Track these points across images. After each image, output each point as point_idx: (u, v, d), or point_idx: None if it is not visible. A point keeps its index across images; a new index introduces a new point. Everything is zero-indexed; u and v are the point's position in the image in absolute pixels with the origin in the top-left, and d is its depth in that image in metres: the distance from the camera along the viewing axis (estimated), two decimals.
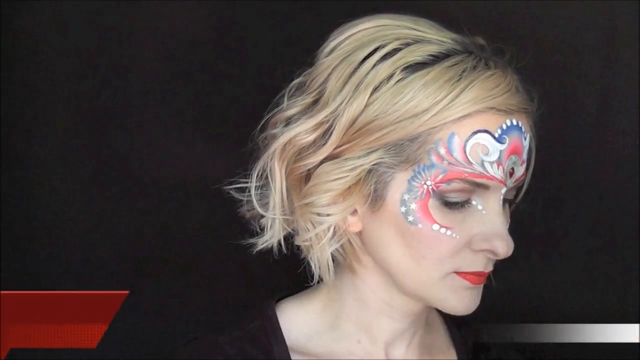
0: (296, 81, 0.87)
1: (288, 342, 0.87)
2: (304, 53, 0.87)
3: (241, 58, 1.18)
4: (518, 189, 0.89)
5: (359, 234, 0.86)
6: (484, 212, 0.81)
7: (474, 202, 0.81)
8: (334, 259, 0.88)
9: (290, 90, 0.87)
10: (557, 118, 1.18)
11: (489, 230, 0.80)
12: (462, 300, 0.83)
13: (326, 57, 0.84)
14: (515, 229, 0.96)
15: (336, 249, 0.87)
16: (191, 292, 1.22)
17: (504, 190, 0.81)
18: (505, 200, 0.84)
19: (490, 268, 0.83)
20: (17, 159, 1.18)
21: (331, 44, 0.84)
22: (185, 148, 1.18)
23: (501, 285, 0.98)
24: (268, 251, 0.88)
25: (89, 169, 1.19)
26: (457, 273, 0.81)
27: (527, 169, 0.85)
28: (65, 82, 1.17)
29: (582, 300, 1.24)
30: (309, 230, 0.84)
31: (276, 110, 0.86)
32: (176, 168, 1.17)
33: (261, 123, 0.86)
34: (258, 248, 0.87)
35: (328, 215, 0.83)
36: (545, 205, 0.88)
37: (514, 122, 0.80)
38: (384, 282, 0.86)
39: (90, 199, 1.20)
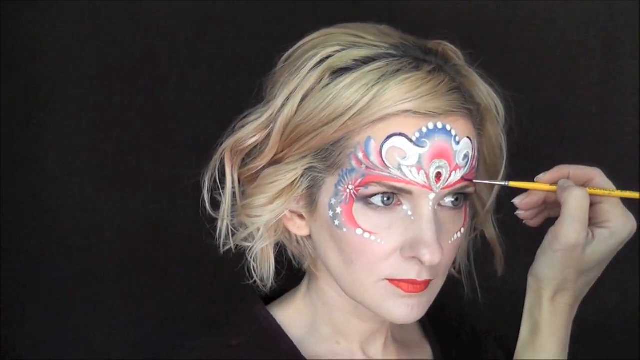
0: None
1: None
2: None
3: (241, 59, 1.18)
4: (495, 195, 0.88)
5: (310, 239, 0.86)
6: (412, 217, 0.79)
7: (404, 207, 0.79)
8: (302, 265, 0.89)
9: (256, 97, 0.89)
10: (557, 118, 1.19)
11: (415, 236, 0.78)
12: (399, 308, 0.81)
13: (281, 65, 0.86)
14: (515, 229, 0.96)
15: (296, 254, 0.89)
16: (192, 292, 1.22)
17: (432, 196, 0.78)
18: (458, 206, 0.81)
19: (425, 277, 0.80)
20: (18, 158, 1.18)
21: (288, 53, 0.86)
22: (186, 147, 1.18)
23: (499, 285, 0.98)
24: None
25: (89, 168, 1.19)
26: (390, 280, 0.80)
27: (471, 173, 0.81)
28: (65, 82, 1.17)
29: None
30: (246, 230, 0.86)
31: (242, 115, 0.87)
32: (177, 167, 1.17)
33: (230, 128, 0.87)
34: (222, 250, 0.88)
35: (259, 216, 0.84)
36: None
37: (439, 126, 0.78)
38: None
39: (90, 198, 1.20)
